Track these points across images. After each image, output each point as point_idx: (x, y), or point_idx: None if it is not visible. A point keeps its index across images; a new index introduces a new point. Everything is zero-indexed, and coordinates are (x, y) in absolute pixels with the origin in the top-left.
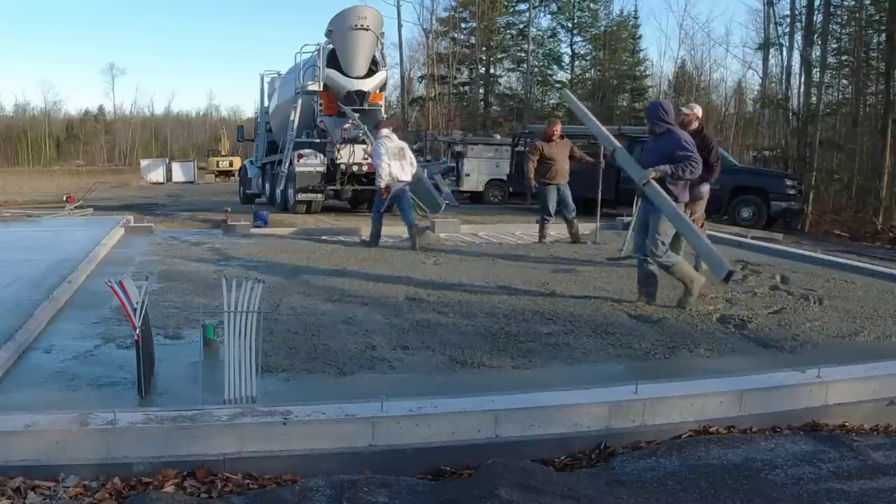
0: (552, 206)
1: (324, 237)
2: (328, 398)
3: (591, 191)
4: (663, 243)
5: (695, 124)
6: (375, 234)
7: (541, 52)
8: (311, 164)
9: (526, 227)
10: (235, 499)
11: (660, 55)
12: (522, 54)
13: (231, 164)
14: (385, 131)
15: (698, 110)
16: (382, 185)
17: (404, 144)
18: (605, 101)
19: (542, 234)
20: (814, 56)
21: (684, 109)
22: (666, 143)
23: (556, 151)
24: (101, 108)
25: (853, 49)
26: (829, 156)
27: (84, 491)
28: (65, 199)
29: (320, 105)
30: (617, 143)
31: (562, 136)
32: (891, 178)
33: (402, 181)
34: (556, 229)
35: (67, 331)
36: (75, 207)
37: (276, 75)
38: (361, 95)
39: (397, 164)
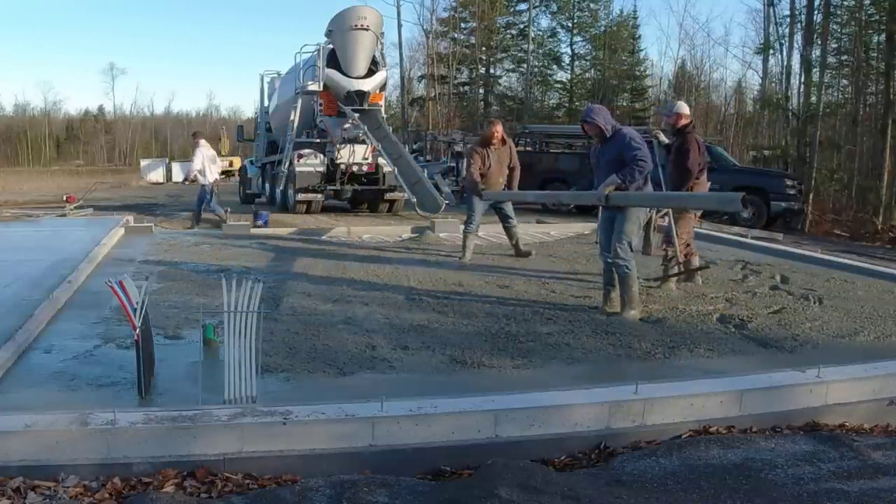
0: (478, 216)
1: (324, 237)
2: (328, 398)
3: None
4: (630, 244)
5: (683, 121)
6: (197, 218)
7: (541, 52)
8: (311, 164)
9: (526, 227)
10: (235, 499)
11: (660, 55)
12: (522, 54)
13: (231, 164)
14: (203, 141)
15: (685, 109)
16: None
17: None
18: (605, 101)
19: (464, 248)
20: (814, 56)
21: (667, 113)
22: (614, 146)
23: (493, 159)
24: (101, 109)
25: (853, 49)
26: (829, 156)
27: (84, 491)
28: (65, 199)
29: (320, 105)
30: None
31: (503, 141)
32: (891, 178)
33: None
34: (557, 229)
35: (67, 331)
36: (75, 207)
37: (276, 75)
38: (361, 95)
39: (212, 167)
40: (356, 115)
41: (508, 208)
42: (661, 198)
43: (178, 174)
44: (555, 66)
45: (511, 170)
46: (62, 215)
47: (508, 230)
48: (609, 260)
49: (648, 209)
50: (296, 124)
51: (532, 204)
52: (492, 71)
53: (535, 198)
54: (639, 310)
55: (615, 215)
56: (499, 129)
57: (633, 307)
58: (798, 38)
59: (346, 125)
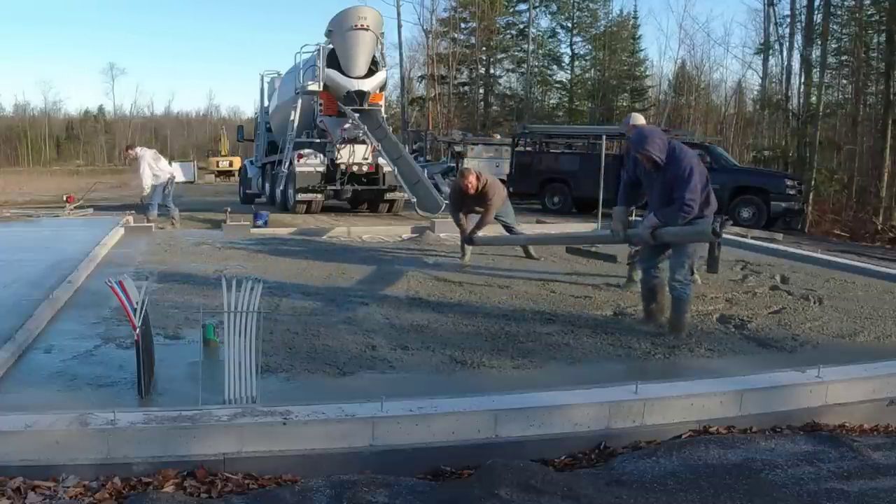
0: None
1: (324, 237)
2: (328, 398)
3: (592, 190)
4: (691, 267)
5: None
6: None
7: (541, 52)
8: (311, 164)
9: (526, 227)
10: (235, 499)
11: (660, 55)
12: (522, 54)
13: (231, 164)
14: (138, 149)
15: (639, 119)
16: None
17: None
18: (605, 101)
19: (464, 248)
20: (814, 56)
21: (624, 128)
22: (670, 170)
23: (470, 203)
24: (101, 108)
25: (853, 49)
26: (829, 156)
27: (84, 491)
28: (64, 199)
29: (320, 105)
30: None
31: (478, 190)
32: (891, 178)
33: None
34: (557, 229)
35: (67, 331)
36: (75, 207)
37: (276, 75)
38: (361, 95)
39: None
40: (356, 115)
41: (510, 220)
42: (691, 234)
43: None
44: (555, 66)
45: (484, 210)
46: (62, 215)
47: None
48: (655, 275)
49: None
50: (296, 124)
51: (532, 204)
52: (492, 71)
53: (531, 242)
54: (685, 334)
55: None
56: (472, 182)
57: (680, 331)
58: (798, 38)
59: (346, 125)
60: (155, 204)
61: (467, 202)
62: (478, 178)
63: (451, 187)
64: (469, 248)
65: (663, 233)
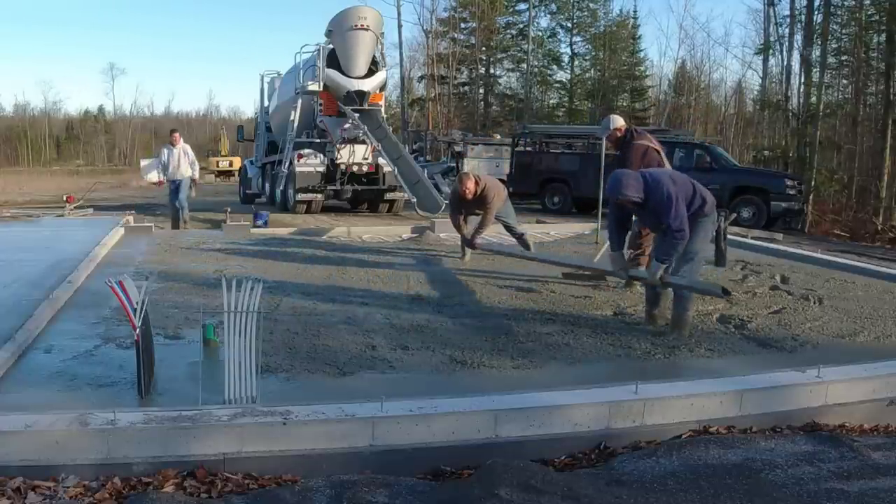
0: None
1: (324, 237)
2: (328, 398)
3: (592, 190)
4: (696, 274)
5: (619, 133)
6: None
7: (540, 52)
8: (311, 164)
9: (526, 227)
10: (235, 499)
11: (660, 55)
12: (522, 54)
13: (231, 164)
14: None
15: (619, 122)
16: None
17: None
18: (605, 101)
19: (464, 248)
20: (814, 56)
21: (603, 133)
22: (651, 202)
23: (469, 207)
24: (101, 108)
25: (853, 49)
26: (829, 156)
27: (84, 491)
28: (64, 199)
29: (320, 105)
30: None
31: (476, 195)
32: (891, 178)
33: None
34: (557, 229)
35: (67, 331)
36: (75, 207)
37: (276, 75)
38: (361, 95)
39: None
40: (356, 115)
41: (512, 221)
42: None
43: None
44: (555, 66)
45: (484, 212)
46: (62, 215)
47: (519, 239)
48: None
49: (712, 231)
50: (296, 124)
51: (532, 204)
52: (492, 71)
53: (532, 258)
54: (687, 333)
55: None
56: (470, 188)
57: (682, 331)
58: (798, 38)
59: (346, 125)
60: (181, 202)
61: (467, 205)
62: (476, 183)
63: (451, 191)
64: (469, 249)
65: (671, 280)
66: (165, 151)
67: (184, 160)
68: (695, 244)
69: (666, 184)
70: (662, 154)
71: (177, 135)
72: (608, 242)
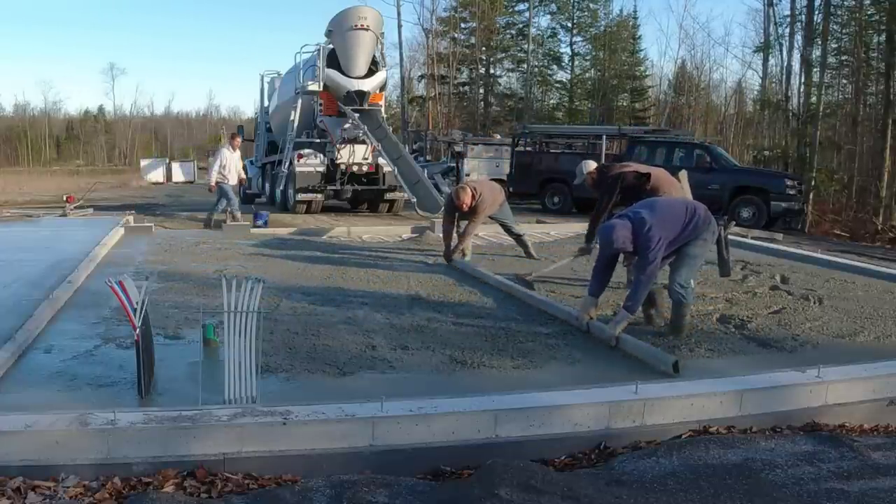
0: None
1: (324, 237)
2: (328, 398)
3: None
4: (691, 278)
5: (593, 176)
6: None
7: (541, 51)
8: (311, 164)
9: (526, 227)
10: (235, 499)
11: (660, 55)
12: (522, 54)
13: None
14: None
15: (590, 166)
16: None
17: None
18: (605, 101)
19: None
20: (814, 56)
21: (579, 181)
22: (637, 246)
23: (464, 215)
24: (101, 108)
25: (853, 49)
26: (829, 156)
27: (84, 491)
28: (64, 199)
29: (320, 105)
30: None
31: (472, 208)
32: (891, 178)
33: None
34: (556, 229)
35: (67, 331)
36: (75, 207)
37: (276, 75)
38: (361, 95)
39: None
40: (356, 115)
41: (510, 222)
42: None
43: (178, 174)
44: (555, 66)
45: (469, 221)
46: (62, 215)
47: (517, 240)
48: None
49: (712, 239)
50: (296, 124)
51: (532, 204)
52: (492, 71)
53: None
54: (683, 336)
55: (684, 252)
56: (466, 202)
57: (679, 333)
58: (798, 38)
59: (346, 125)
60: (233, 202)
61: (461, 214)
62: (473, 198)
63: (446, 199)
64: (469, 247)
65: (625, 347)
66: (227, 154)
67: (239, 164)
68: (694, 248)
69: (648, 222)
70: (642, 167)
71: (239, 139)
72: (572, 258)
